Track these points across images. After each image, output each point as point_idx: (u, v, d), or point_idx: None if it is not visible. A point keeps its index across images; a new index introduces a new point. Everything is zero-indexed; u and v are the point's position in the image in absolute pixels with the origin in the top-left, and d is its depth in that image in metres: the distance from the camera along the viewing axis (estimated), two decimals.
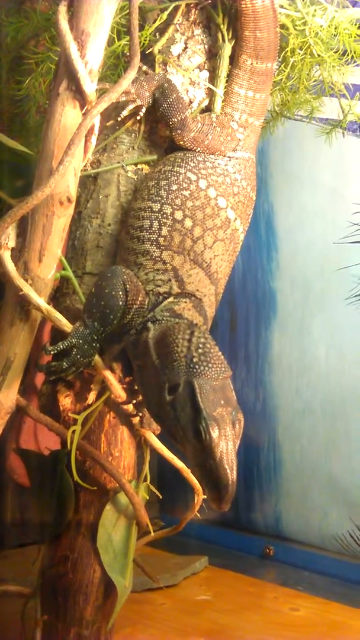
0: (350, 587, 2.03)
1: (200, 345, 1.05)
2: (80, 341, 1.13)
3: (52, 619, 1.24)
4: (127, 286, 1.13)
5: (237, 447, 1.01)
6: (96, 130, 1.15)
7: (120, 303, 1.12)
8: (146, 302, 1.16)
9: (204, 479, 1.00)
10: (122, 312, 1.13)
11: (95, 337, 1.13)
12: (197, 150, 1.35)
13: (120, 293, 1.12)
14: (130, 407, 1.27)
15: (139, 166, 1.39)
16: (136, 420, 1.29)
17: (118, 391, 1.23)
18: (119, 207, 1.34)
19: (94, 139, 1.16)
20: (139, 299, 1.15)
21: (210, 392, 1.01)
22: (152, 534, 1.34)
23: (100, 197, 1.35)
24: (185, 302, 1.18)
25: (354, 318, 2.20)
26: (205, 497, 1.41)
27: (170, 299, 1.18)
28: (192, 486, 1.42)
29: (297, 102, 1.75)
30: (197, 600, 1.88)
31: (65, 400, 1.26)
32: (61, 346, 1.13)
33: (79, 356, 1.13)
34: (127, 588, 1.26)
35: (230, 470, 0.98)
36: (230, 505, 0.97)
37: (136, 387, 1.26)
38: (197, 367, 1.03)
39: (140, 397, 1.27)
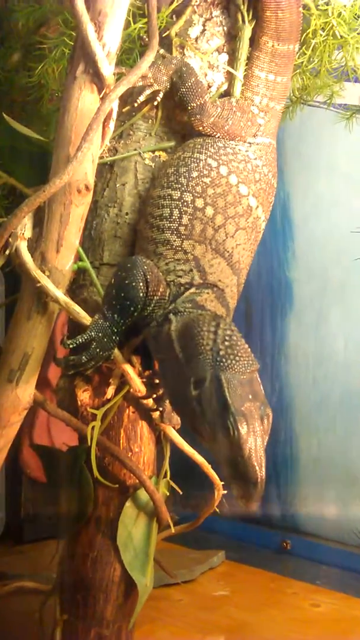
0: None
1: (227, 338, 1.01)
2: (100, 334, 1.09)
3: (71, 619, 1.22)
4: (148, 277, 1.09)
5: (265, 443, 0.98)
6: (114, 115, 1.11)
7: (141, 294, 1.08)
8: (167, 293, 1.12)
9: (231, 477, 0.96)
10: (143, 303, 1.10)
11: (115, 330, 1.10)
12: (216, 136, 1.31)
13: (141, 284, 1.08)
14: (150, 402, 1.23)
15: (157, 153, 1.35)
16: (156, 415, 1.25)
17: (138, 385, 1.19)
18: (137, 196, 1.30)
19: (112, 125, 1.12)
20: (160, 290, 1.11)
21: (238, 386, 0.97)
22: (173, 531, 1.31)
23: (117, 185, 1.31)
24: (208, 293, 1.14)
25: None
26: (224, 492, 1.40)
27: (192, 290, 1.14)
28: (211, 481, 1.38)
29: (317, 86, 1.69)
30: (215, 596, 1.85)
31: (84, 395, 1.23)
32: (80, 340, 1.09)
33: (98, 350, 1.10)
34: (148, 587, 1.23)
35: (259, 467, 0.94)
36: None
37: (156, 381, 1.23)
38: (224, 360, 0.99)
39: (161, 391, 1.23)
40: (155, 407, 1.24)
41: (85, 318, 1.10)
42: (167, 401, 1.25)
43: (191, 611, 1.72)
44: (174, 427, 1.29)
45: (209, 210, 1.20)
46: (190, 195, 1.20)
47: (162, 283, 1.11)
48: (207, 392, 0.98)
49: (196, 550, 2.08)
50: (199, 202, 1.20)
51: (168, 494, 1.31)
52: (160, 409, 1.24)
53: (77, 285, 1.25)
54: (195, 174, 1.22)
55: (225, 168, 1.26)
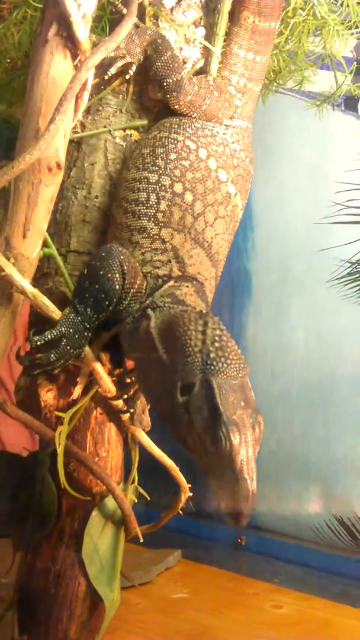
0: (329, 578, 1.97)
1: (217, 339, 0.92)
2: (71, 330, 0.99)
3: (31, 639, 1.11)
4: (125, 267, 0.99)
5: (256, 454, 0.90)
6: (89, 86, 1.00)
7: (117, 287, 0.98)
8: (144, 286, 1.03)
9: (220, 490, 0.88)
10: (119, 297, 1.00)
11: (87, 326, 0.99)
12: (193, 116, 1.21)
13: (117, 275, 0.98)
14: (120, 403, 1.14)
15: (128, 132, 1.24)
16: (126, 416, 1.16)
17: (108, 385, 1.10)
18: (107, 177, 1.19)
19: (86, 96, 1.01)
20: (137, 282, 1.01)
21: (230, 392, 0.89)
22: (142, 539, 1.22)
23: (86, 165, 1.19)
24: (187, 286, 1.05)
25: (335, 302, 2.12)
26: (190, 495, 1.33)
27: (171, 283, 1.04)
28: (177, 482, 1.31)
29: (290, 70, 1.62)
30: (174, 599, 1.77)
31: (47, 395, 1.12)
32: (49, 336, 0.98)
33: (68, 347, 0.99)
34: (115, 602, 1.14)
35: (251, 481, 0.86)
36: None
37: (127, 381, 1.13)
38: (214, 363, 0.90)
39: (132, 392, 1.14)
40: (125, 408, 1.14)
41: (55, 312, 0.99)
42: (138, 402, 1.16)
43: (150, 616, 1.63)
44: (143, 430, 1.20)
45: (188, 196, 1.11)
46: (169, 179, 1.10)
47: (139, 275, 1.02)
48: (196, 399, 0.89)
49: (151, 549, 1.99)
50: (178, 187, 1.11)
51: (136, 500, 1.22)
52: (132, 410, 1.14)
53: (41, 274, 1.14)
54: (173, 156, 1.12)
55: (204, 151, 1.16)
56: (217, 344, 0.92)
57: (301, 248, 2.19)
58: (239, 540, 2.21)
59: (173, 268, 1.06)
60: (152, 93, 1.26)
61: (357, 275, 2.09)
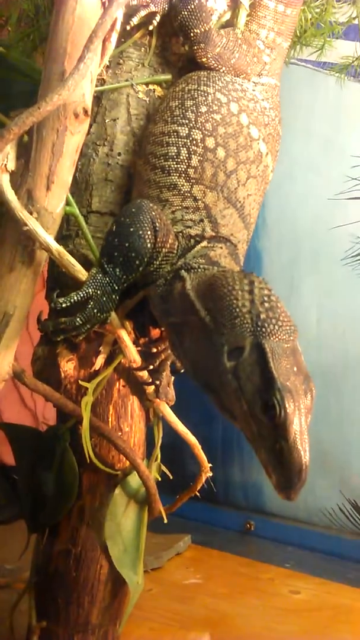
0: (341, 564, 1.92)
1: (265, 298, 0.85)
2: (99, 292, 0.91)
3: (51, 625, 1.04)
4: (157, 224, 0.91)
5: (308, 424, 0.83)
6: (117, 26, 0.91)
7: (149, 245, 0.91)
8: (176, 246, 0.95)
9: (271, 463, 0.80)
10: (150, 256, 0.92)
11: (116, 287, 0.92)
12: (221, 70, 1.13)
13: (149, 233, 0.90)
14: (145, 374, 1.06)
15: (151, 87, 1.16)
16: (150, 389, 1.09)
17: (133, 355, 1.02)
18: (130, 134, 1.12)
19: (114, 38, 0.92)
20: (169, 241, 0.93)
21: (283, 356, 0.82)
22: (166, 520, 1.15)
23: (107, 120, 1.11)
24: (221, 247, 0.98)
25: (350, 280, 2.05)
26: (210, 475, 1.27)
27: (204, 244, 0.97)
28: (199, 463, 1.24)
29: (314, 33, 1.54)
30: (187, 585, 1.71)
31: (68, 366, 1.04)
32: (75, 297, 0.90)
33: (95, 310, 0.91)
34: (139, 585, 1.08)
35: (304, 453, 0.79)
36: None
37: (154, 351, 1.06)
38: (265, 325, 0.83)
39: (158, 363, 1.07)
40: (150, 380, 1.07)
41: (81, 272, 0.92)
42: (164, 374, 1.09)
43: (164, 602, 1.57)
44: (168, 404, 1.13)
45: (221, 152, 1.03)
46: (200, 132, 1.03)
47: (171, 233, 0.94)
48: (247, 364, 0.82)
49: (160, 535, 1.93)
50: (210, 142, 1.03)
51: (160, 478, 1.15)
52: (157, 382, 1.07)
53: (60, 237, 1.05)
54: (204, 109, 1.05)
55: (235, 105, 1.09)
56: (266, 304, 0.84)
57: (314, 225, 2.12)
58: (248, 525, 2.16)
59: (206, 228, 0.98)
60: (175, 47, 1.18)
61: None
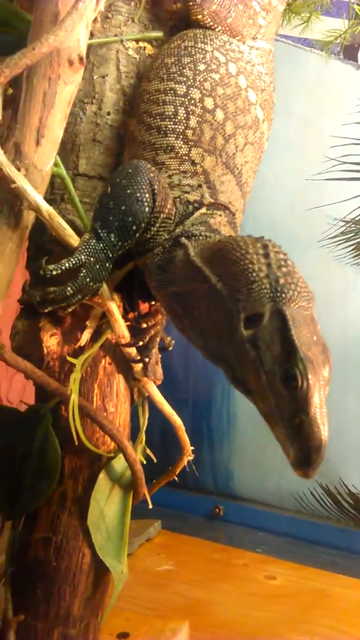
0: (312, 548, 1.90)
1: (282, 263, 0.79)
2: (92, 259, 0.83)
3: (29, 619, 0.97)
4: (155, 187, 0.84)
5: (326, 398, 0.77)
6: None
7: (147, 209, 0.83)
8: (174, 211, 0.88)
9: (289, 438, 0.74)
10: (147, 222, 0.85)
11: (110, 255, 0.84)
12: (217, 30, 1.07)
13: (147, 196, 0.83)
14: (133, 351, 0.99)
15: (141, 44, 1.08)
16: (138, 367, 1.02)
17: (122, 330, 0.95)
18: (120, 92, 1.04)
19: None
20: (168, 206, 0.86)
21: (303, 324, 0.76)
22: (151, 505, 1.09)
23: (95, 77, 1.03)
24: (220, 215, 0.92)
25: (327, 262, 2.02)
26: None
27: (203, 210, 0.90)
28: (182, 446, 1.19)
29: (301, 4, 1.49)
30: (160, 571, 1.66)
31: (51, 341, 0.96)
32: (67, 265, 0.82)
33: (88, 279, 0.84)
34: (124, 574, 1.01)
35: (324, 427, 0.74)
36: None
37: (144, 326, 0.99)
38: (285, 291, 0.77)
39: (147, 339, 1.00)
40: (139, 358, 1.00)
41: (72, 237, 0.84)
42: (153, 351, 1.02)
43: (138, 590, 1.52)
44: (155, 383, 1.07)
45: (219, 114, 0.97)
46: (198, 92, 0.96)
47: (170, 197, 0.87)
48: (266, 332, 0.76)
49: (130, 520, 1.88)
50: (209, 102, 0.96)
51: (145, 462, 1.09)
52: (146, 359, 1.00)
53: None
54: (202, 67, 0.98)
55: (234, 66, 1.02)
56: (284, 269, 0.78)
57: (291, 206, 2.08)
58: (217, 510, 2.13)
59: (204, 194, 0.92)
60: (168, 3, 1.11)
61: (351, 234, 2.00)
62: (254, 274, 0.77)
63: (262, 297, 0.77)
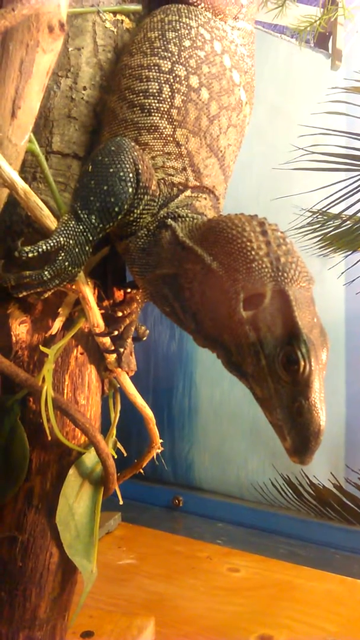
0: (272, 539, 1.90)
1: (281, 241, 0.75)
2: (71, 242, 0.78)
3: None
4: (139, 166, 0.79)
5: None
6: None
7: (130, 190, 0.78)
8: (157, 193, 0.83)
9: (287, 423, 0.71)
10: (130, 203, 0.80)
11: (90, 238, 0.79)
12: (199, 7, 1.02)
13: (131, 175, 0.78)
14: (107, 341, 0.94)
15: (118, 17, 1.02)
16: (112, 357, 0.97)
17: (97, 318, 0.90)
18: (97, 67, 0.98)
19: None
20: (152, 187, 0.81)
21: (305, 305, 0.73)
22: (121, 502, 1.05)
23: (70, 49, 0.97)
24: (205, 198, 0.87)
25: None
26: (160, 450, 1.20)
27: (187, 193, 0.86)
28: (150, 438, 1.16)
29: None
30: (122, 565, 1.62)
31: (20, 329, 0.90)
32: (44, 247, 0.77)
33: (67, 263, 0.78)
34: (93, 574, 0.97)
35: (322, 413, 0.71)
36: None
37: (119, 314, 0.94)
38: (287, 270, 0.73)
39: (122, 328, 0.95)
40: (113, 348, 0.95)
41: (49, 217, 0.78)
42: (128, 341, 0.97)
43: (100, 586, 1.44)
44: (128, 374, 1.02)
45: (205, 93, 0.92)
46: (184, 69, 0.91)
47: (154, 178, 0.82)
48: (267, 313, 0.72)
49: None
50: (194, 81, 0.91)
51: (116, 456, 1.04)
52: (122, 349, 0.96)
53: None
54: (187, 43, 0.93)
55: (219, 44, 0.98)
56: (284, 247, 0.75)
57: (257, 195, 2.05)
58: (177, 500, 2.10)
59: (189, 177, 0.87)
60: None
61: (318, 225, 1.99)
62: (253, 252, 0.73)
63: (263, 276, 0.73)
